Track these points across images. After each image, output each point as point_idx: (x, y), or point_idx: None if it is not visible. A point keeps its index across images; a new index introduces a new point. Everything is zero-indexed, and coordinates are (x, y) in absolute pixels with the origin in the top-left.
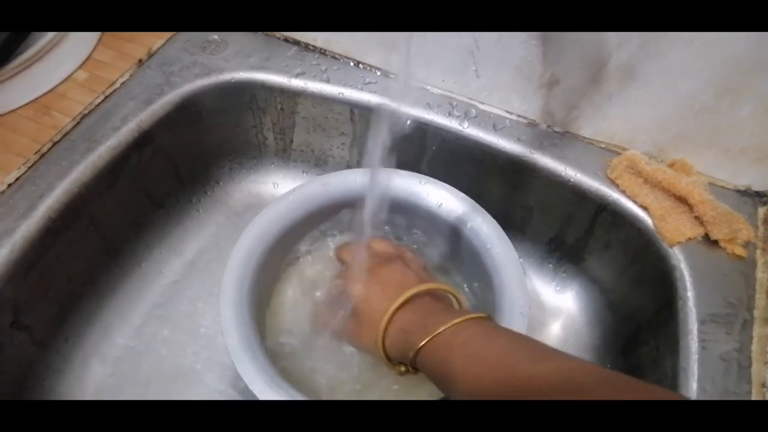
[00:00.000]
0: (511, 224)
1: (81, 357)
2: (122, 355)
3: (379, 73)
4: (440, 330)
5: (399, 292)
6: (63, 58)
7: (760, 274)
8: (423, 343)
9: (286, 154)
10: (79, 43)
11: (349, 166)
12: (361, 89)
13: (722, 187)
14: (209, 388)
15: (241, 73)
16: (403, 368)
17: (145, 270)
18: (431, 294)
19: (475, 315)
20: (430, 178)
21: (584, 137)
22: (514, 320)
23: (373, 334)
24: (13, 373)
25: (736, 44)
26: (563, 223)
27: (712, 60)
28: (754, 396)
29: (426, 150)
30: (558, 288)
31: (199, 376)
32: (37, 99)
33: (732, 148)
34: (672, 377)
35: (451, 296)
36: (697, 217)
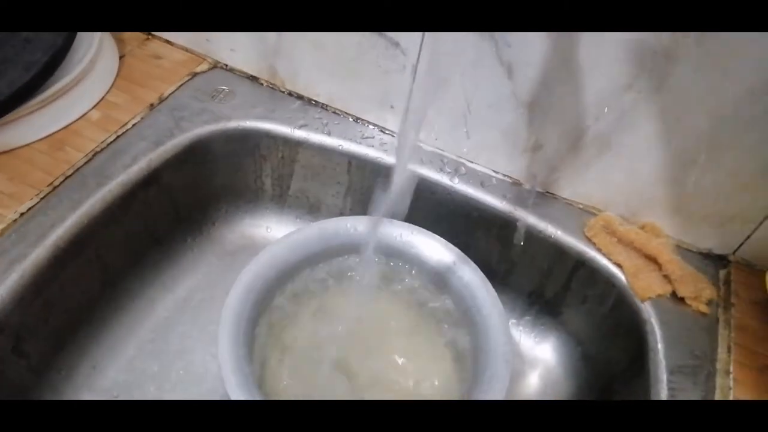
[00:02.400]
0: (494, 276)
1: (72, 387)
2: (112, 387)
3: (376, 129)
4: None
5: None
6: (79, 98)
7: (721, 330)
8: None
9: (281, 200)
10: (94, 85)
11: (342, 214)
12: (359, 143)
13: (687, 249)
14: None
15: (247, 122)
16: None
17: (139, 305)
18: None
19: None
20: (422, 229)
21: (564, 198)
22: (498, 367)
23: None
24: (7, 398)
25: (699, 121)
26: (543, 277)
27: (679, 134)
28: None
29: (417, 202)
30: (537, 339)
31: None
32: (52, 134)
33: (695, 214)
34: None
35: None
36: (665, 276)
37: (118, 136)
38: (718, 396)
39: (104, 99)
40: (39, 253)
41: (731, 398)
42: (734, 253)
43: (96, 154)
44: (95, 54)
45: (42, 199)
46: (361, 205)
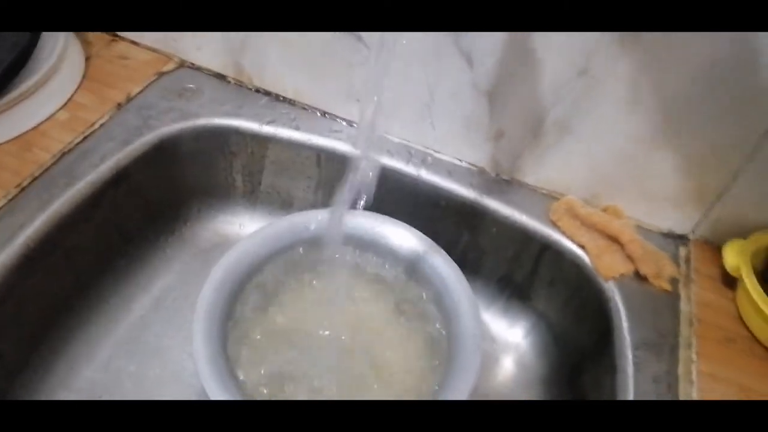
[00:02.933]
0: (464, 264)
1: (49, 388)
2: (89, 387)
3: (344, 123)
4: None
5: None
6: (46, 99)
7: (683, 306)
8: None
9: (253, 196)
10: (61, 86)
11: (313, 208)
12: (328, 136)
13: (648, 230)
14: None
15: (216, 119)
16: None
17: (113, 305)
18: None
19: None
20: (391, 218)
21: (528, 184)
22: (469, 353)
23: None
24: None
25: (654, 102)
26: (511, 263)
27: (635, 117)
28: None
29: (386, 193)
30: (508, 323)
31: None
32: (19, 136)
33: (655, 195)
34: (610, 397)
35: None
36: (628, 256)
37: (86, 137)
38: (681, 368)
39: (71, 100)
40: (8, 253)
41: (694, 371)
42: (693, 231)
43: (64, 154)
44: (61, 54)
45: (10, 200)
46: (332, 198)
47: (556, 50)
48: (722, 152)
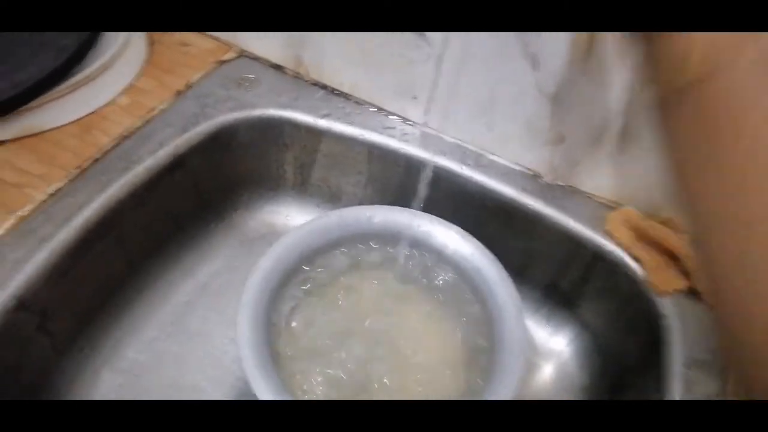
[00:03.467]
0: (511, 268)
1: (93, 367)
2: (132, 368)
3: (397, 120)
4: None
5: None
6: (108, 83)
7: None
8: None
9: (302, 189)
10: (123, 71)
11: (361, 203)
12: (381, 133)
13: None
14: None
15: (271, 110)
16: None
17: (160, 288)
18: None
19: None
20: (441, 219)
21: (584, 191)
22: (513, 359)
23: None
24: (30, 377)
25: None
26: (560, 271)
27: None
28: None
29: (436, 192)
30: (551, 331)
31: (204, 393)
32: (81, 119)
33: None
34: None
35: None
36: (684, 271)
37: (145, 122)
38: (730, 388)
39: (133, 85)
40: (67, 233)
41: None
42: None
43: (124, 138)
44: (125, 40)
45: (70, 181)
46: (381, 195)
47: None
48: None
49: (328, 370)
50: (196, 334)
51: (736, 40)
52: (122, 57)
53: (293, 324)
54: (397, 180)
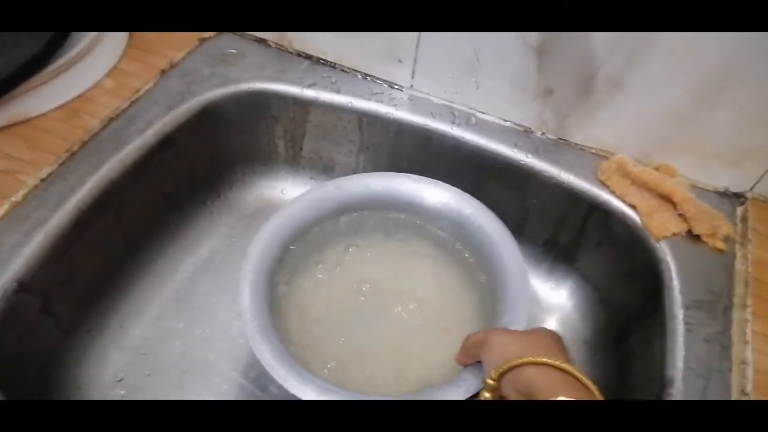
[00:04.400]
0: (509, 225)
1: (101, 346)
2: (139, 345)
3: (385, 85)
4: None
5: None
6: (92, 67)
7: (738, 265)
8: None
9: (295, 162)
10: (106, 54)
11: (355, 172)
12: (369, 99)
13: (703, 188)
14: (222, 376)
15: (257, 84)
16: (488, 394)
17: (162, 266)
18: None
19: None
20: (438, 181)
21: (576, 143)
22: (516, 312)
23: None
24: (38, 358)
25: (710, 56)
26: (557, 225)
27: (690, 70)
28: (734, 372)
29: (428, 155)
30: (553, 286)
31: (212, 366)
32: (67, 103)
33: (709, 152)
34: (660, 359)
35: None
36: (680, 215)
37: (131, 103)
38: (735, 329)
39: (116, 67)
40: (61, 215)
41: (748, 331)
42: (751, 189)
43: (111, 120)
44: None
45: (61, 165)
46: (374, 162)
47: None
48: None
49: (325, 324)
50: (200, 309)
51: None
52: (104, 40)
53: (293, 289)
54: (389, 146)
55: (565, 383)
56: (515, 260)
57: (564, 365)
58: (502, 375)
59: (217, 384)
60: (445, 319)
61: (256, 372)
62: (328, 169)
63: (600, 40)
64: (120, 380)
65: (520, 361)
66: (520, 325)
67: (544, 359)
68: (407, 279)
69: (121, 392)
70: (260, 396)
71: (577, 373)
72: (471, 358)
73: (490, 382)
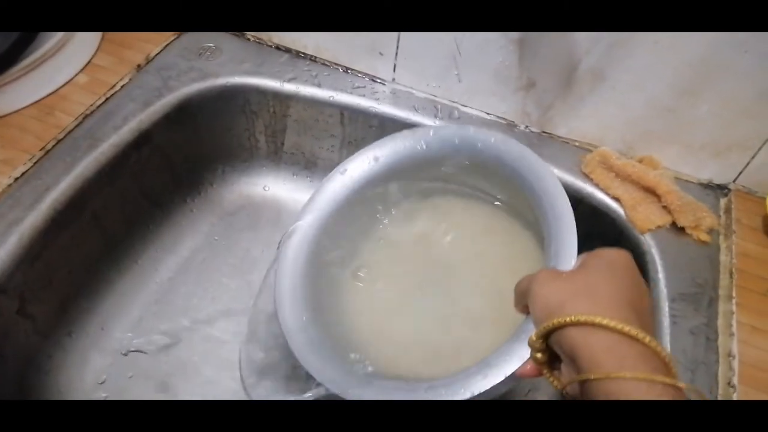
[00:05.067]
0: None
1: (80, 349)
2: (120, 347)
3: (367, 79)
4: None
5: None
6: (65, 62)
7: (723, 257)
8: (595, 377)
9: (277, 157)
10: (79, 49)
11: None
12: (351, 93)
13: (687, 180)
14: (206, 378)
15: (235, 78)
16: (539, 355)
17: (142, 266)
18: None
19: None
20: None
21: (559, 136)
22: (561, 242)
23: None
24: (16, 361)
25: (694, 48)
26: None
27: (673, 62)
28: (721, 364)
29: None
30: None
31: (195, 367)
32: (40, 100)
33: (693, 144)
34: None
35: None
36: (664, 207)
37: (106, 99)
38: (720, 321)
39: (90, 62)
40: (36, 216)
41: (734, 323)
42: (734, 181)
43: (86, 117)
44: None
45: (35, 163)
46: None
47: None
48: None
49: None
50: (181, 310)
51: None
52: (77, 35)
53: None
54: (372, 140)
55: (617, 350)
56: (550, 183)
57: (612, 323)
58: (545, 336)
59: (201, 385)
60: (508, 257)
61: (244, 371)
62: (310, 164)
63: (582, 32)
64: (102, 383)
65: (554, 322)
66: (568, 257)
67: (582, 317)
68: (459, 224)
69: (103, 395)
70: (244, 396)
71: (635, 333)
72: (525, 308)
73: (536, 344)
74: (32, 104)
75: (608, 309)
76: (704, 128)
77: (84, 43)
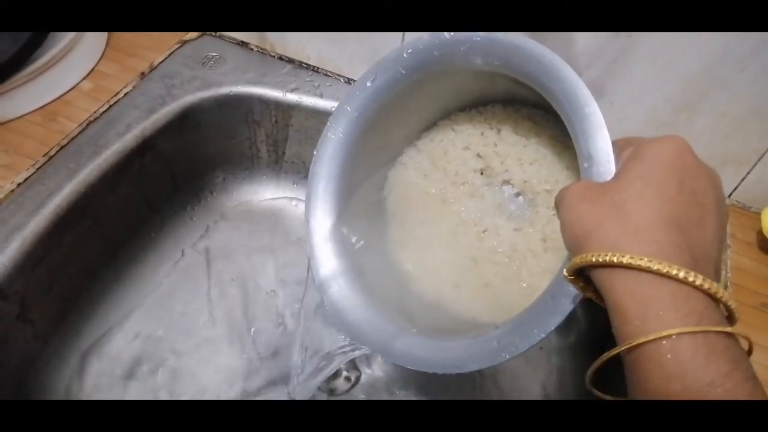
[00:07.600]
0: None
1: (79, 354)
2: (118, 353)
3: None
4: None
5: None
6: (69, 69)
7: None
8: (632, 344)
9: (277, 166)
10: (84, 56)
11: None
12: None
13: None
14: (203, 386)
15: (239, 87)
16: (583, 290)
17: (142, 273)
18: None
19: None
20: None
21: None
22: (591, 146)
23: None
24: (15, 366)
25: (691, 63)
26: None
27: (671, 78)
28: None
29: None
30: None
31: (193, 373)
32: (44, 106)
33: None
34: None
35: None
36: None
37: (110, 106)
38: None
39: (95, 69)
40: (38, 221)
41: None
42: (729, 196)
43: (89, 123)
44: None
45: (38, 169)
46: None
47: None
48: (765, 115)
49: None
50: (180, 316)
51: None
52: (82, 41)
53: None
54: None
55: (639, 294)
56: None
57: (646, 263)
58: (578, 272)
59: (199, 390)
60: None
61: (239, 377)
62: None
63: (582, 46)
64: (101, 389)
65: (577, 261)
66: (604, 160)
67: (601, 255)
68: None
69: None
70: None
71: (667, 270)
72: None
73: (572, 282)
74: (36, 110)
75: (637, 234)
76: (700, 143)
77: (89, 50)
